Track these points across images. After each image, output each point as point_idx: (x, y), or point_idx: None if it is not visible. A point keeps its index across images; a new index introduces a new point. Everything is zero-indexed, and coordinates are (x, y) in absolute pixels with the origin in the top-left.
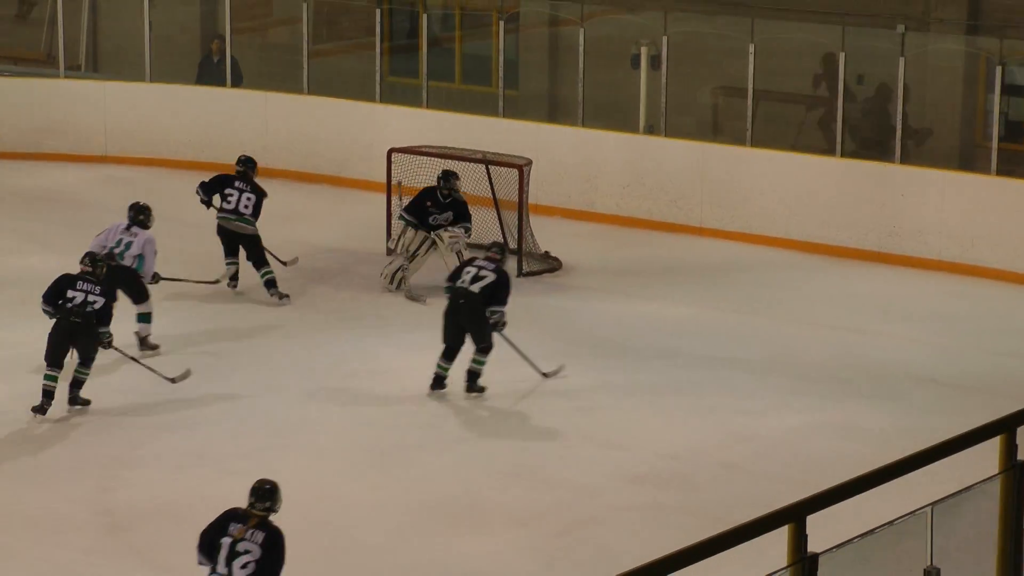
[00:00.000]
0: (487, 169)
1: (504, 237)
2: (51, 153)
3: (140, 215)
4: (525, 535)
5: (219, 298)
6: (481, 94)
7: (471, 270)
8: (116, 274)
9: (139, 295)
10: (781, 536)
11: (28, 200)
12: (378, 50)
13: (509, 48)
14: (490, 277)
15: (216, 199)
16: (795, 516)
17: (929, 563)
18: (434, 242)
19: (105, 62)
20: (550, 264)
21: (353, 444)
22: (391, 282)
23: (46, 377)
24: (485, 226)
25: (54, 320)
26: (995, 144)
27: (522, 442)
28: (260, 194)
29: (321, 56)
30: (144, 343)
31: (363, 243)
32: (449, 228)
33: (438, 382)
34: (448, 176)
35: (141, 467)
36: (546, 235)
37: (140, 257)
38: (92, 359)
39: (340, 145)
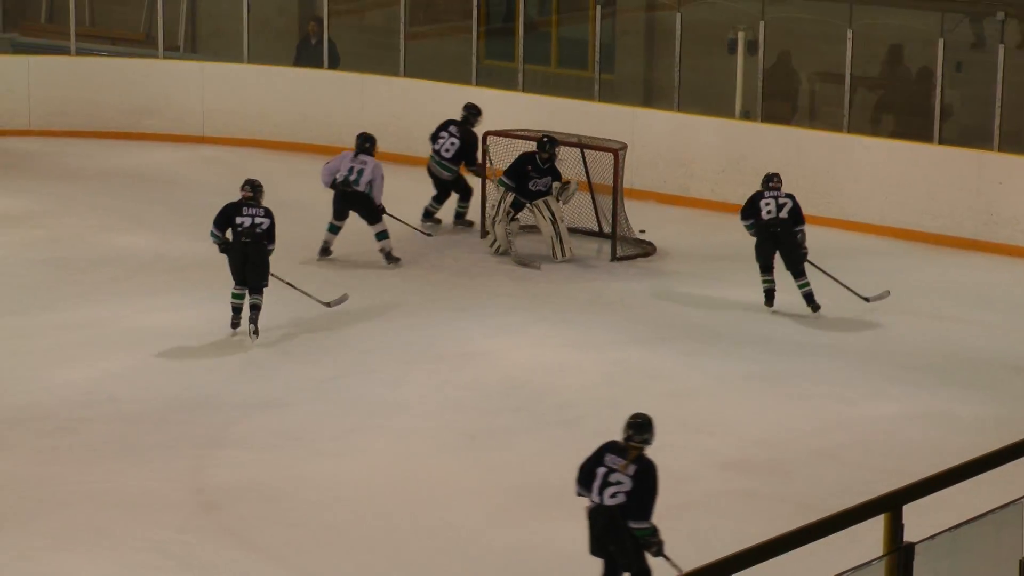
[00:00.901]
0: (582, 153)
1: (598, 221)
2: (149, 133)
3: (367, 143)
4: None
5: (315, 277)
6: (577, 78)
7: (769, 203)
8: (350, 198)
9: (373, 216)
10: (877, 525)
11: (126, 180)
12: (474, 33)
13: (605, 32)
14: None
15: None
16: (891, 505)
17: None
18: (533, 209)
19: (203, 43)
20: (644, 249)
21: (444, 426)
22: (494, 247)
23: (233, 296)
24: (579, 210)
25: (222, 248)
26: None
27: (615, 426)
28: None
29: (418, 39)
30: (389, 257)
31: (458, 226)
32: (554, 185)
33: (769, 297)
34: (551, 141)
35: (233, 447)
36: (641, 220)
37: (371, 183)
38: (263, 286)
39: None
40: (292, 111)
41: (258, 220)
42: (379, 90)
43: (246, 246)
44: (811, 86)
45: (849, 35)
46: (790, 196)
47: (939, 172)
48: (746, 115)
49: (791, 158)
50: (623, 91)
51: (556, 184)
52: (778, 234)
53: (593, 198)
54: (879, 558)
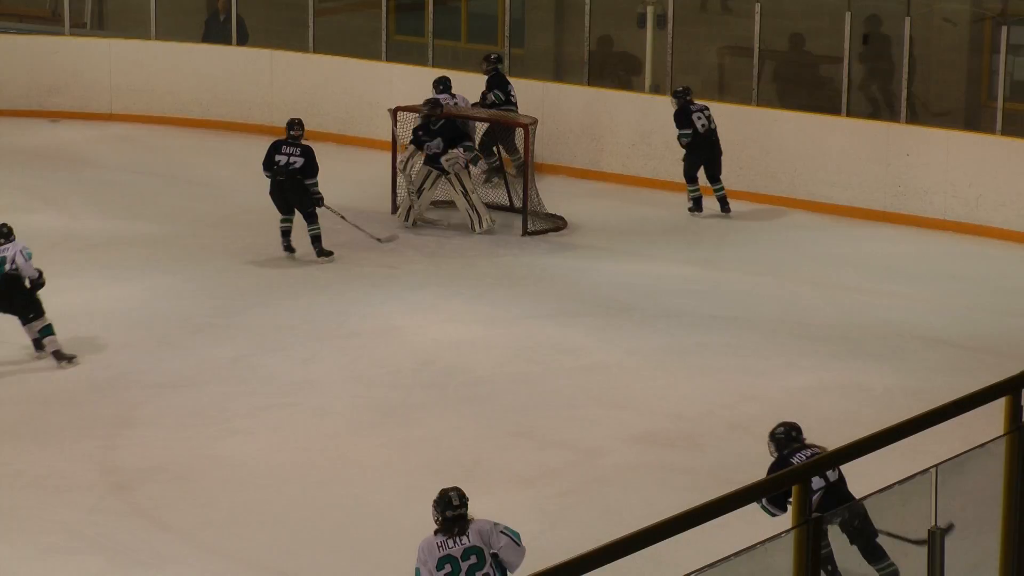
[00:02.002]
0: (493, 127)
1: (509, 196)
2: (56, 111)
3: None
4: (530, 496)
5: (222, 256)
6: (487, 53)
7: (700, 117)
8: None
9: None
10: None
11: (33, 158)
12: (384, 8)
13: (515, 7)
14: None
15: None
16: (799, 478)
17: (934, 524)
18: (435, 173)
19: (111, 20)
20: (555, 223)
21: (356, 404)
22: (406, 219)
23: (281, 222)
24: (491, 186)
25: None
26: (1000, 104)
27: (527, 401)
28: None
29: (327, 14)
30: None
31: (369, 202)
32: (449, 151)
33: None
34: (432, 104)
35: (144, 426)
36: (552, 195)
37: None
38: (313, 214)
39: (346, 103)
40: (201, 88)
41: (293, 159)
42: (289, 66)
43: (282, 183)
44: (720, 60)
45: (757, 8)
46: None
47: (848, 144)
48: (656, 89)
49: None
50: (534, 66)
51: (446, 156)
52: (714, 143)
53: (504, 173)
54: (789, 529)
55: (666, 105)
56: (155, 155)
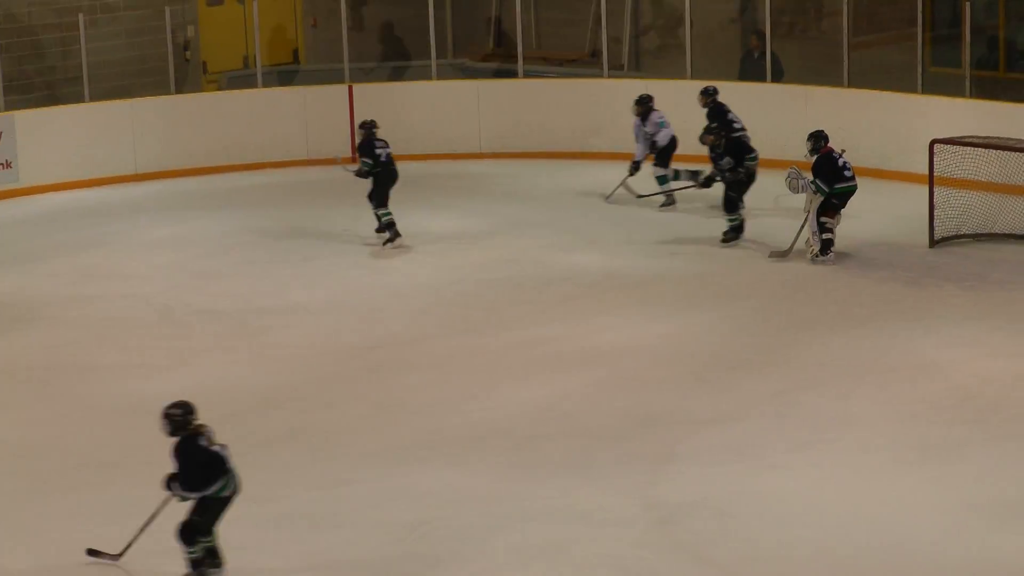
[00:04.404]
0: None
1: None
2: (595, 152)
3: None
4: None
5: (759, 293)
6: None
7: None
8: None
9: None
10: None
11: (575, 199)
12: (919, 40)
13: None
14: None
15: None
16: None
17: None
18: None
19: (647, 61)
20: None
21: (897, 440)
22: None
23: (385, 214)
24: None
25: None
26: None
27: None
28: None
29: (861, 48)
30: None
31: (906, 236)
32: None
33: None
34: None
35: (683, 461)
36: None
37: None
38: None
39: (881, 137)
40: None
41: (388, 150)
42: (824, 101)
43: (391, 172)
44: None
45: None
46: None
47: None
48: None
49: None
50: None
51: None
52: None
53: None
54: None
55: None
56: (701, 195)
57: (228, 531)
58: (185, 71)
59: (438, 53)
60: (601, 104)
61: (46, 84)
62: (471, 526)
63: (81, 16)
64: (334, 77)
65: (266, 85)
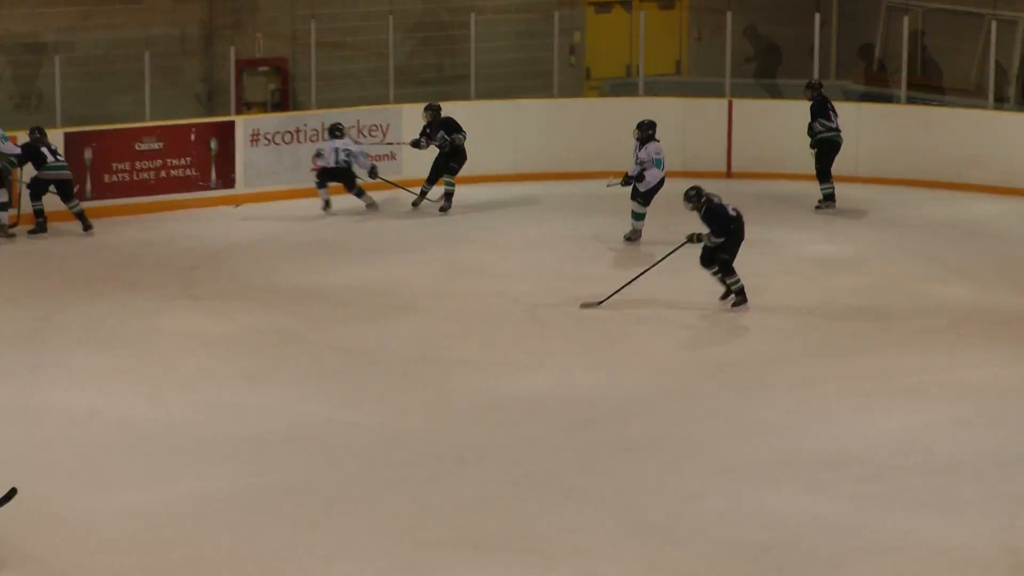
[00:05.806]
0: None
1: None
2: (975, 184)
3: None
4: None
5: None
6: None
7: None
8: None
9: None
10: None
11: (951, 230)
12: None
13: None
14: None
15: None
16: None
17: None
18: None
19: None
20: None
21: None
22: None
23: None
24: None
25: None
26: None
27: None
28: None
29: None
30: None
31: None
32: None
33: None
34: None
35: None
36: None
37: None
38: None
39: None
40: None
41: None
42: None
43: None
44: None
45: None
46: None
47: None
48: None
49: None
50: None
51: None
52: None
53: None
54: None
55: None
56: None
57: (579, 538)
58: (568, 76)
59: (821, 75)
60: (982, 135)
61: (439, 79)
62: (822, 554)
63: (473, 15)
64: (713, 91)
65: (647, 94)
